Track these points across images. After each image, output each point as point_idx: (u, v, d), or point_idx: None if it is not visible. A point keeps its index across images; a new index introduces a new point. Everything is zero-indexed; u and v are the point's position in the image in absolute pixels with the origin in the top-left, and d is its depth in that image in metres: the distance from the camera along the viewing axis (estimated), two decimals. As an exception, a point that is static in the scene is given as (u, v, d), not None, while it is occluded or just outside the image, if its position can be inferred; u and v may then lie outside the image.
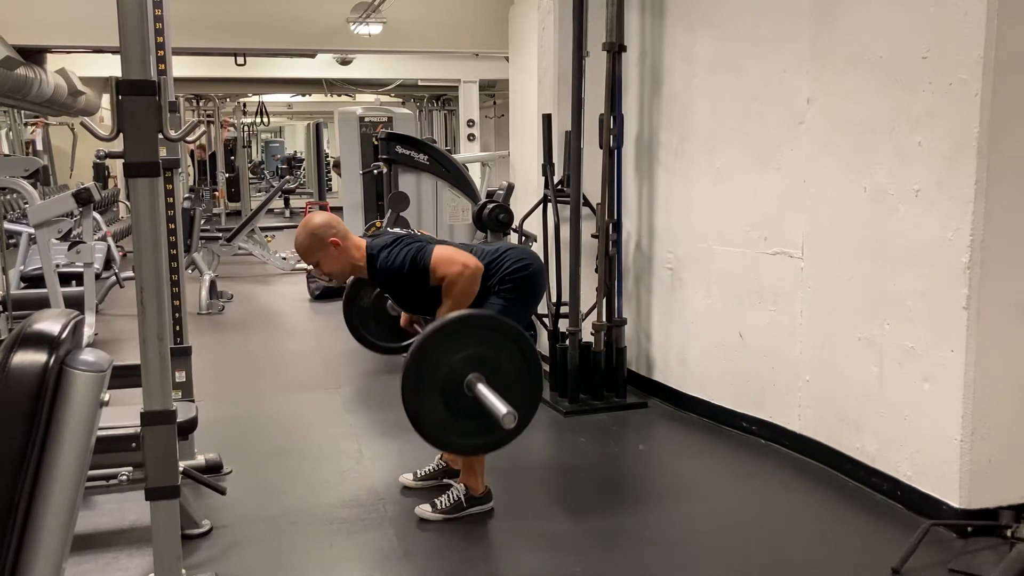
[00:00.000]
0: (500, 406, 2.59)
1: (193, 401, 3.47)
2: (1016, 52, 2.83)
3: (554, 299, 4.82)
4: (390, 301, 3.81)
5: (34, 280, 6.34)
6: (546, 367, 4.96)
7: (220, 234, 9.15)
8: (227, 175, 17.03)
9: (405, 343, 3.86)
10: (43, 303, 5.21)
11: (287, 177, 20.86)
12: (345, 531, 3.17)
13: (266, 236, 9.97)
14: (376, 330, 3.93)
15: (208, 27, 7.30)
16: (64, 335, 1.31)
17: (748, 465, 3.80)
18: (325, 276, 3.26)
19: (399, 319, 3.73)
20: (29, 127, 12.70)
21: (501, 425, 2.58)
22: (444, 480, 3.47)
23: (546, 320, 4.85)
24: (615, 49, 4.43)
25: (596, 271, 4.55)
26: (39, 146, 12.72)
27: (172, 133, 1.90)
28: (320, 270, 3.20)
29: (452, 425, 2.79)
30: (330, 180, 19.99)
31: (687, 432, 4.25)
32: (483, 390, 2.69)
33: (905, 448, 3.22)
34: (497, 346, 2.79)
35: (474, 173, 8.50)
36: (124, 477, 2.60)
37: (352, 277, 3.40)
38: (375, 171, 7.79)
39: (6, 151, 11.71)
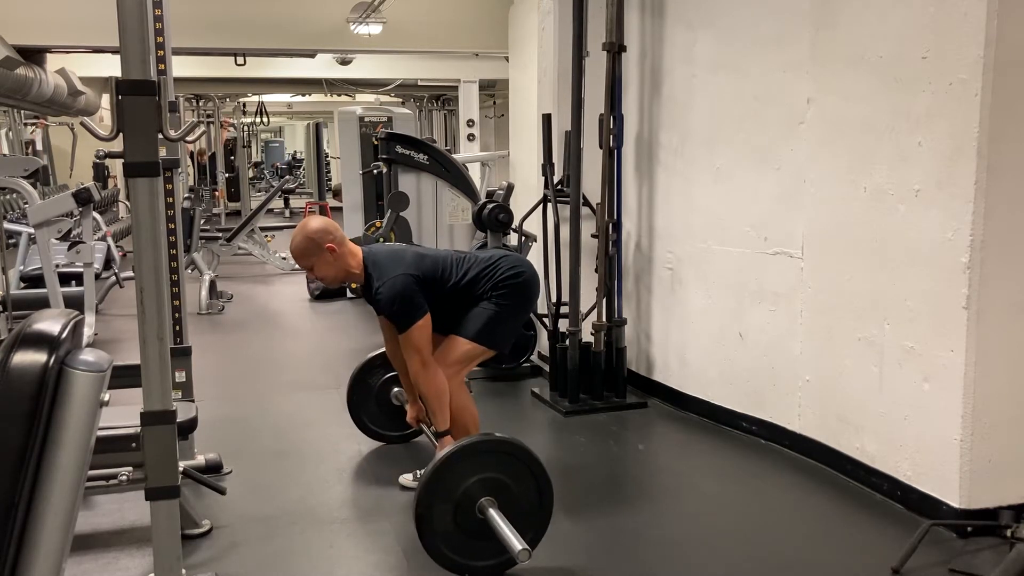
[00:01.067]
0: (515, 542, 2.56)
1: (193, 401, 3.47)
2: (1016, 52, 2.83)
3: (554, 299, 4.83)
4: (395, 390, 3.91)
5: (34, 280, 6.34)
6: (546, 367, 4.97)
7: (220, 234, 9.15)
8: (227, 175, 17.03)
9: (406, 432, 3.97)
10: (43, 303, 5.21)
11: (287, 177, 20.87)
12: (345, 531, 3.17)
13: (266, 236, 9.97)
14: (379, 418, 4.00)
15: (208, 27, 7.30)
16: (64, 335, 1.31)
17: (748, 465, 3.79)
18: (318, 279, 3.29)
19: (402, 409, 3.82)
20: (29, 127, 12.70)
21: (515, 560, 2.57)
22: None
23: (546, 320, 4.85)
24: (615, 49, 4.42)
25: (596, 271, 4.55)
26: (39, 146, 12.72)
27: (172, 133, 1.90)
28: (313, 274, 3.24)
29: (463, 545, 2.74)
30: (330, 180, 20.00)
31: (687, 432, 4.25)
32: (495, 517, 2.67)
33: (905, 448, 3.22)
34: (510, 470, 2.77)
35: (474, 173, 8.50)
36: (124, 477, 2.60)
37: (349, 282, 3.43)
38: (375, 171, 7.79)
39: (6, 151, 11.71)
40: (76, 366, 1.32)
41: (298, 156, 24.34)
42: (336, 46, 8.73)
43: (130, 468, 2.63)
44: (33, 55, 7.66)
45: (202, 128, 14.98)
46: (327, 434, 4.26)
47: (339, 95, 14.38)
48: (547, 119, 4.86)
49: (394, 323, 3.19)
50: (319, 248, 3.16)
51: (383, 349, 3.79)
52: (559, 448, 4.16)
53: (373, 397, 3.97)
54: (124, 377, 2.04)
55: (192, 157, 16.38)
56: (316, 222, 3.25)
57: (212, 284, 7.67)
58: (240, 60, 10.09)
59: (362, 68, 11.39)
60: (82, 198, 5.39)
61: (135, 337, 1.86)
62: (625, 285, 4.74)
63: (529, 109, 5.67)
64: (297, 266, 9.68)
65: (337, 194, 15.53)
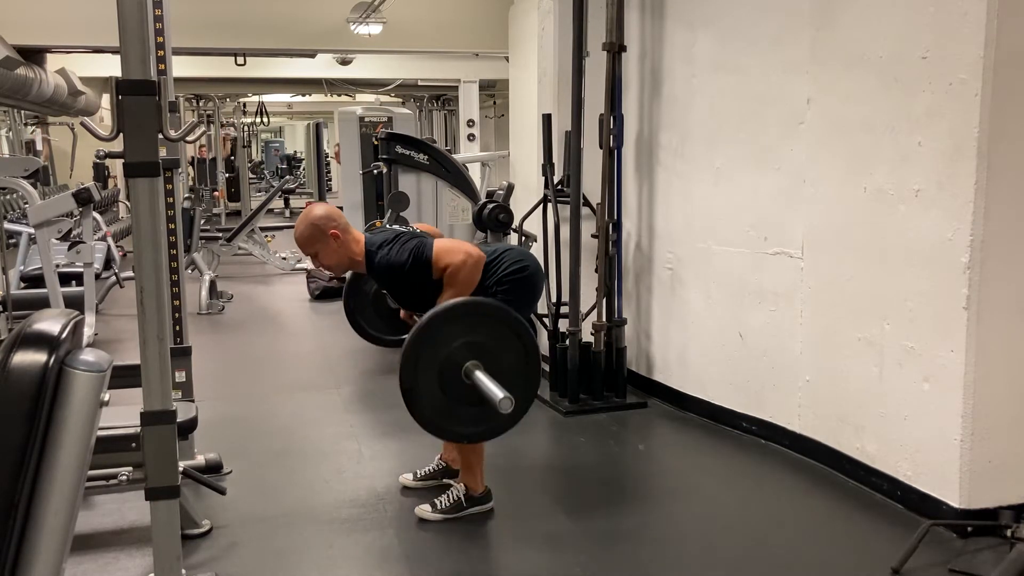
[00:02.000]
0: (497, 391, 2.59)
1: (193, 401, 3.47)
2: (1016, 52, 2.83)
3: (554, 299, 4.82)
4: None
5: (34, 280, 6.34)
6: (546, 367, 4.97)
7: (220, 234, 9.15)
8: (227, 175, 17.02)
9: (404, 336, 3.86)
10: (43, 303, 5.21)
11: (287, 177, 20.86)
12: (345, 531, 3.17)
13: (266, 236, 9.97)
14: (375, 322, 3.94)
15: (208, 27, 7.30)
16: (64, 335, 1.31)
17: (748, 465, 3.79)
18: (322, 267, 3.26)
19: (398, 311, 3.73)
20: (29, 127, 12.70)
21: (498, 410, 2.58)
22: (444, 480, 3.47)
23: (546, 320, 4.85)
24: (615, 49, 4.43)
25: (596, 271, 4.55)
26: (39, 146, 12.72)
27: (172, 133, 1.90)
28: (317, 261, 3.20)
29: (447, 410, 2.77)
30: (330, 180, 19.98)
31: (687, 432, 4.25)
32: (481, 376, 2.69)
33: (905, 448, 3.22)
34: (498, 336, 2.78)
35: (474, 173, 8.50)
36: (124, 477, 2.61)
37: (354, 270, 3.39)
38: (375, 171, 7.79)
39: (6, 151, 11.72)
40: (76, 366, 1.32)
41: (298, 155, 24.31)
42: (336, 46, 8.73)
43: (130, 468, 2.63)
44: (33, 55, 7.66)
45: (203, 128, 14.98)
46: (327, 434, 4.26)
47: (339, 95, 14.38)
48: (547, 119, 4.86)
49: (417, 274, 3.04)
50: (323, 235, 3.13)
51: None
52: (559, 448, 4.16)
53: (369, 302, 3.93)
54: (124, 377, 2.04)
55: (194, 162, 16.37)
56: (319, 209, 3.22)
57: (212, 284, 7.67)
58: (240, 60, 10.08)
59: (362, 68, 11.39)
60: (82, 198, 5.39)
61: (135, 337, 1.86)
62: (625, 285, 4.74)
63: (529, 109, 5.66)
64: (298, 266, 9.64)
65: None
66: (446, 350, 2.73)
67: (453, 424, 2.80)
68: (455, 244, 3.11)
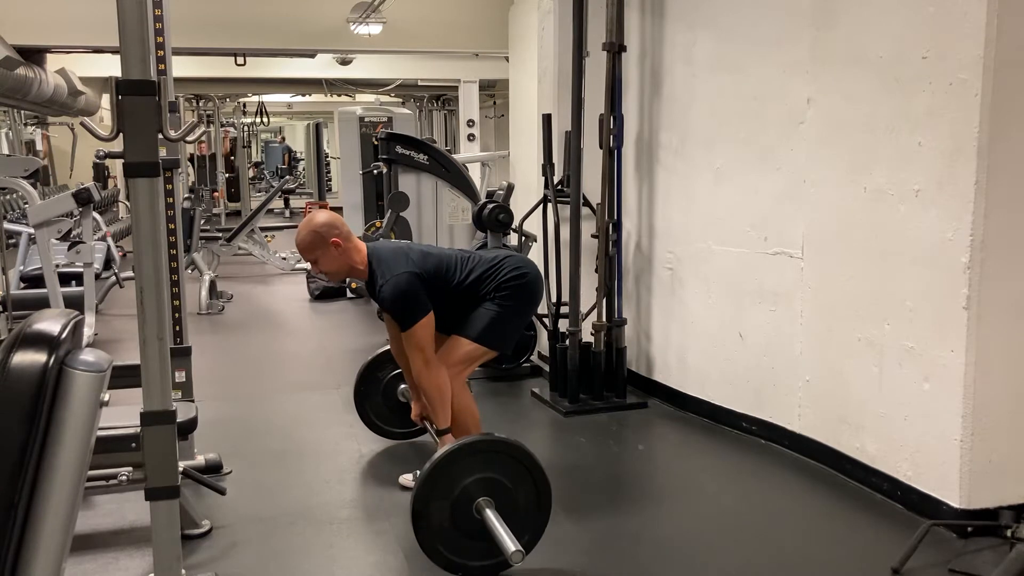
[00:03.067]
0: (509, 543, 2.56)
1: (193, 401, 3.47)
2: (1016, 52, 2.83)
3: (554, 299, 4.82)
4: (402, 387, 3.92)
5: (34, 280, 6.34)
6: (546, 367, 4.97)
7: (220, 234, 9.15)
8: (227, 175, 17.02)
9: (412, 430, 3.97)
10: (43, 303, 5.21)
11: (287, 177, 20.87)
12: (345, 531, 3.17)
13: (266, 236, 9.97)
14: (387, 415, 4.00)
15: (208, 27, 7.30)
16: (64, 335, 1.31)
17: (748, 465, 3.79)
18: (321, 274, 3.29)
19: (408, 406, 3.81)
20: (29, 127, 12.70)
21: (508, 561, 2.57)
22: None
23: (546, 320, 4.85)
24: (615, 49, 4.42)
25: (596, 271, 4.55)
26: (39, 146, 12.72)
27: (172, 133, 1.90)
28: (317, 268, 3.23)
29: (458, 544, 2.74)
30: (330, 180, 20.00)
31: (687, 432, 4.25)
32: (492, 519, 2.67)
33: (905, 448, 3.22)
34: (509, 471, 2.76)
35: (474, 173, 8.50)
36: (124, 477, 2.61)
37: (349, 279, 3.43)
38: (375, 171, 7.79)
39: (6, 151, 11.72)
40: (76, 366, 1.32)
41: (298, 156, 24.32)
42: (336, 46, 8.73)
43: (130, 468, 2.63)
44: (33, 55, 7.66)
45: (203, 128, 14.97)
46: (327, 434, 4.26)
47: (339, 95, 14.38)
48: (547, 119, 4.86)
49: (397, 321, 3.19)
50: (324, 242, 3.15)
51: (387, 347, 3.80)
52: (559, 448, 4.16)
53: (380, 393, 3.96)
54: (124, 377, 2.04)
55: (193, 159, 16.36)
56: (322, 216, 3.24)
57: (212, 284, 7.67)
58: (240, 60, 10.08)
59: (362, 68, 11.39)
60: (82, 198, 5.39)
61: (135, 337, 1.86)
62: (625, 285, 4.74)
63: (529, 109, 5.66)
64: (298, 266, 9.64)
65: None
66: (461, 484, 2.71)
67: (457, 557, 2.77)
68: (420, 340, 3.14)
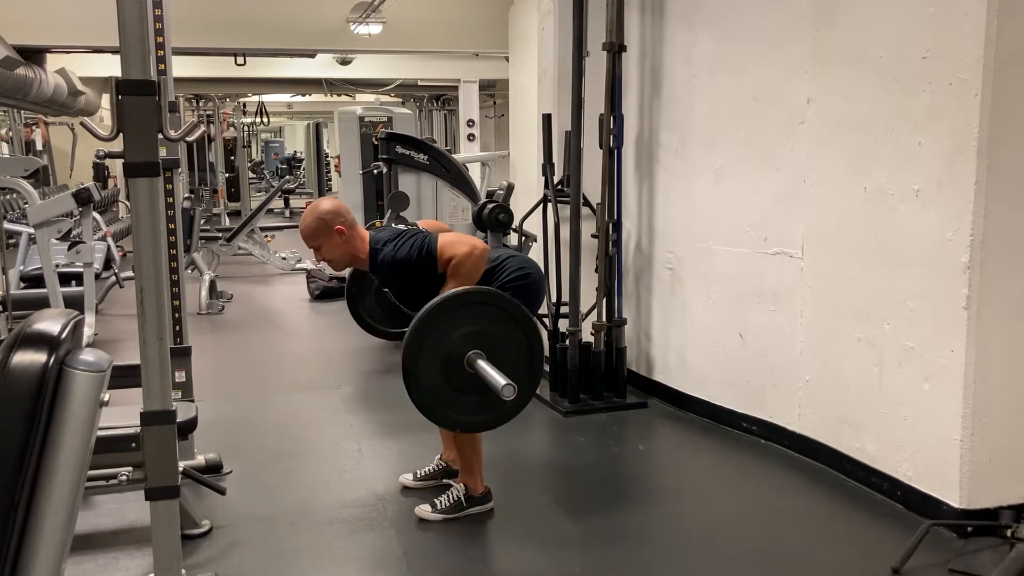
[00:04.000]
0: (500, 378, 2.58)
1: (193, 401, 3.47)
2: (1016, 52, 2.83)
3: (554, 299, 4.82)
4: None
5: (34, 280, 6.34)
6: (546, 367, 4.97)
7: (220, 234, 9.15)
8: (227, 175, 17.02)
9: (404, 328, 3.85)
10: (43, 303, 5.21)
11: (287, 177, 20.87)
12: (345, 531, 3.17)
13: (266, 236, 9.97)
14: (376, 313, 3.92)
15: (208, 27, 7.30)
16: (64, 335, 1.31)
17: (748, 465, 3.79)
18: (324, 261, 3.24)
19: (398, 309, 3.72)
20: (28, 127, 12.70)
21: (500, 397, 2.57)
22: (444, 480, 3.46)
23: (546, 320, 4.85)
24: (615, 49, 4.42)
25: (596, 271, 4.55)
26: (39, 146, 12.72)
27: (172, 133, 1.90)
28: (320, 255, 3.18)
29: (446, 396, 2.76)
30: (330, 180, 20.00)
31: (687, 432, 4.25)
32: (483, 365, 2.69)
33: (905, 448, 3.22)
34: (504, 328, 2.77)
35: (474, 173, 8.50)
36: (124, 477, 2.60)
37: (355, 267, 3.39)
38: (375, 171, 7.79)
39: (6, 151, 11.71)
40: (76, 366, 1.32)
41: (298, 156, 24.33)
42: (336, 46, 8.73)
43: (130, 468, 2.63)
44: (33, 55, 7.66)
45: (202, 128, 14.97)
46: (327, 434, 4.26)
47: (339, 95, 14.38)
48: (547, 119, 4.86)
49: (422, 269, 3.04)
50: (329, 229, 3.12)
51: None
52: (559, 448, 4.16)
53: (372, 292, 3.90)
54: (124, 377, 2.04)
55: (193, 149, 16.28)
56: (327, 203, 3.22)
57: (212, 284, 7.67)
58: (240, 60, 10.09)
59: (362, 68, 11.39)
60: (82, 198, 5.39)
61: (135, 337, 1.86)
62: (625, 285, 4.74)
63: (529, 109, 5.66)
64: (298, 266, 9.62)
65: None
66: (451, 337, 2.72)
67: (451, 411, 2.79)
68: (459, 236, 3.13)
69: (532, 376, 2.87)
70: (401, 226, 3.33)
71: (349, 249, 3.15)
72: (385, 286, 3.33)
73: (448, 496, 3.24)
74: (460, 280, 3.00)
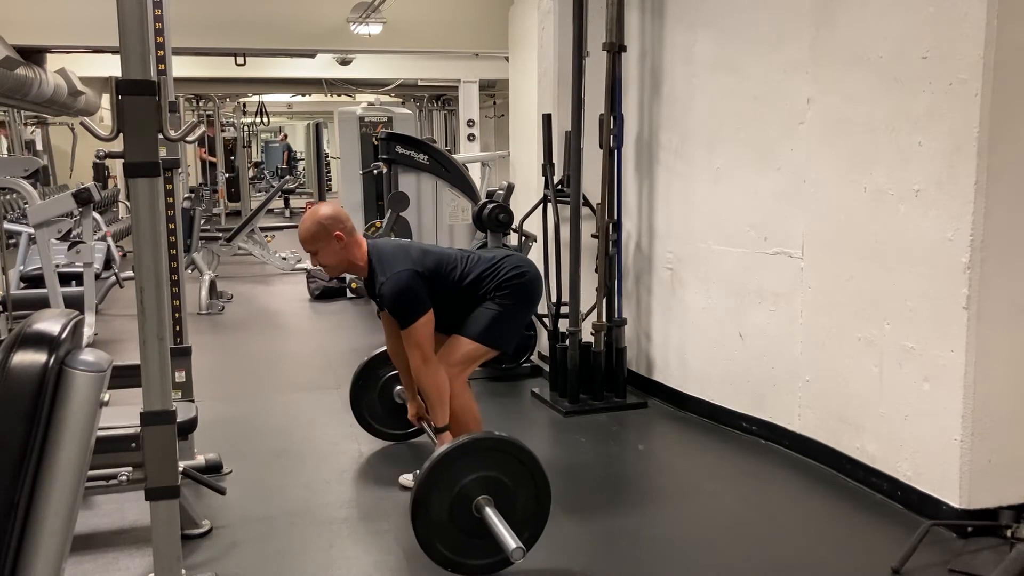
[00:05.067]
0: (510, 540, 2.55)
1: (193, 401, 3.47)
2: (1016, 52, 2.83)
3: (554, 299, 4.82)
4: (398, 388, 3.91)
5: (34, 280, 6.34)
6: (546, 367, 4.97)
7: (220, 234, 9.15)
8: (227, 175, 17.02)
9: (408, 431, 3.97)
10: (43, 303, 5.21)
11: (287, 177, 20.86)
12: (345, 531, 3.17)
13: (266, 236, 9.97)
14: (382, 416, 3.99)
15: (208, 27, 7.30)
16: (64, 335, 1.31)
17: (748, 465, 3.79)
18: (320, 266, 3.27)
19: (405, 408, 3.81)
20: (29, 128, 12.70)
21: (509, 558, 2.56)
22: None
23: (546, 320, 4.85)
24: (615, 49, 4.42)
25: (596, 271, 4.55)
26: (39, 146, 12.72)
27: (172, 133, 1.90)
28: (317, 259, 3.22)
29: (455, 540, 2.73)
30: (330, 180, 19.99)
31: (687, 432, 4.25)
32: (491, 516, 2.66)
33: (905, 448, 3.22)
34: (511, 471, 2.75)
35: (474, 173, 8.50)
36: (124, 477, 2.60)
37: (350, 277, 3.41)
38: (375, 171, 7.79)
39: (6, 151, 11.71)
40: (76, 366, 1.31)
41: (298, 156, 24.32)
42: (336, 46, 8.72)
43: (130, 468, 2.62)
44: (33, 55, 7.66)
45: (202, 128, 14.97)
46: (327, 434, 4.26)
47: (339, 95, 14.38)
48: (547, 119, 4.86)
49: (396, 319, 3.19)
50: (327, 235, 3.14)
51: (385, 347, 3.79)
52: (559, 448, 4.16)
53: (376, 394, 3.97)
54: (124, 377, 2.04)
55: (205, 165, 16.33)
56: (327, 208, 3.24)
57: (212, 284, 7.67)
58: (240, 60, 10.08)
59: (362, 68, 11.39)
60: (82, 198, 5.39)
61: (135, 337, 1.86)
62: (625, 285, 4.74)
63: (529, 109, 5.67)
64: (298, 266, 9.62)
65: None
66: (463, 480, 2.70)
67: (452, 554, 2.76)
68: (422, 338, 3.14)
69: (536, 528, 2.82)
70: (402, 240, 3.36)
71: (346, 256, 3.19)
72: (381, 307, 3.39)
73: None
74: (424, 388, 3.21)
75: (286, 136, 24.69)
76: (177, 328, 3.55)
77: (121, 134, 1.81)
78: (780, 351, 3.86)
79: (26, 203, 6.06)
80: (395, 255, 3.19)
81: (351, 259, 3.20)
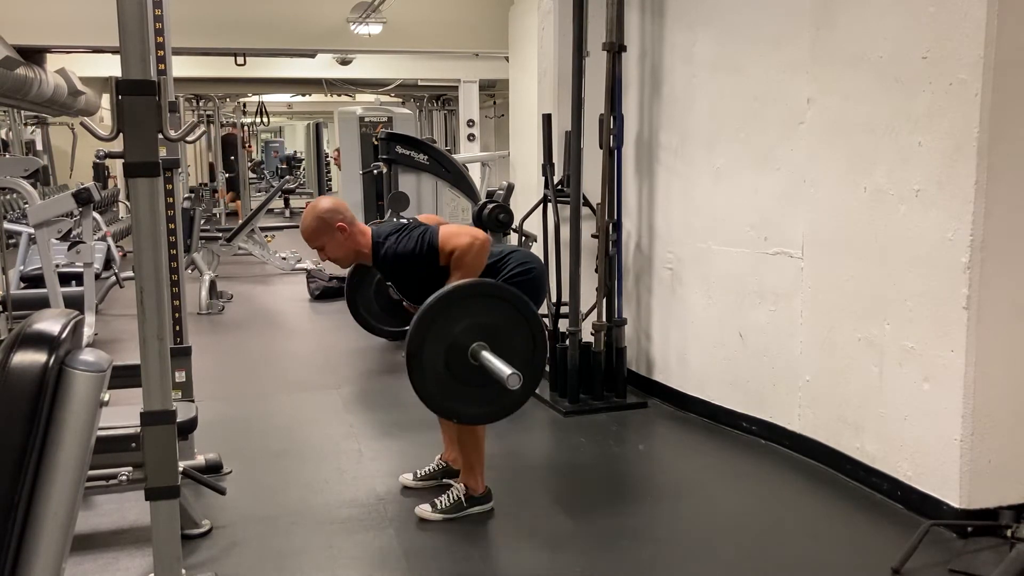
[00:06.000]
0: (504, 368, 2.57)
1: (193, 401, 3.47)
2: (1016, 52, 2.83)
3: (554, 299, 4.82)
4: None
5: (34, 280, 6.34)
6: (546, 367, 4.97)
7: (220, 234, 9.15)
8: (227, 175, 17.02)
9: (405, 327, 3.85)
10: (43, 303, 5.21)
11: (287, 177, 20.87)
12: (345, 531, 3.17)
13: (266, 236, 9.97)
14: (377, 311, 3.92)
15: (208, 27, 7.30)
16: (64, 335, 1.31)
17: (748, 465, 3.79)
18: (327, 260, 3.25)
19: (401, 301, 3.72)
20: (29, 127, 12.69)
21: (506, 386, 2.56)
22: (444, 480, 3.47)
23: (546, 320, 4.84)
24: (615, 49, 4.42)
25: (596, 271, 4.55)
26: (39, 146, 12.72)
27: (172, 133, 1.90)
28: (324, 254, 3.19)
29: (448, 386, 2.75)
30: (330, 180, 20.01)
31: (687, 432, 4.25)
32: (488, 356, 2.68)
33: (905, 448, 3.22)
34: (509, 320, 2.77)
35: (474, 173, 8.50)
36: (124, 477, 2.60)
37: (359, 262, 3.38)
38: (375, 171, 7.79)
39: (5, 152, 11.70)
40: (76, 366, 1.31)
41: (298, 156, 24.32)
42: (336, 46, 8.73)
43: (130, 468, 2.63)
44: (33, 55, 7.66)
45: (202, 128, 14.97)
46: (327, 434, 4.26)
47: (339, 95, 14.38)
48: (547, 119, 4.86)
49: (425, 261, 3.05)
50: (330, 228, 3.12)
51: None
52: (559, 448, 4.16)
53: (372, 291, 3.90)
54: (124, 377, 2.04)
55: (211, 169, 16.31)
56: (326, 202, 3.22)
57: (212, 284, 7.67)
58: (240, 60, 10.09)
59: (362, 68, 11.39)
60: (82, 198, 5.39)
61: (135, 337, 1.86)
62: (625, 285, 4.74)
63: (529, 109, 5.67)
64: (298, 266, 9.62)
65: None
66: (457, 327, 2.71)
67: (452, 401, 2.77)
68: (461, 228, 3.13)
69: (535, 370, 2.87)
70: (403, 220, 3.34)
71: (352, 245, 3.15)
72: (388, 280, 3.33)
73: (448, 496, 3.24)
74: (464, 271, 3.00)
75: (276, 152, 24.66)
76: (177, 328, 3.55)
77: (121, 134, 1.81)
78: (780, 351, 3.86)
79: (26, 203, 6.06)
80: (401, 227, 3.17)
81: (357, 248, 3.17)
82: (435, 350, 2.70)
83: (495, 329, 2.74)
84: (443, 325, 2.70)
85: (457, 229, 3.11)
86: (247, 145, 16.86)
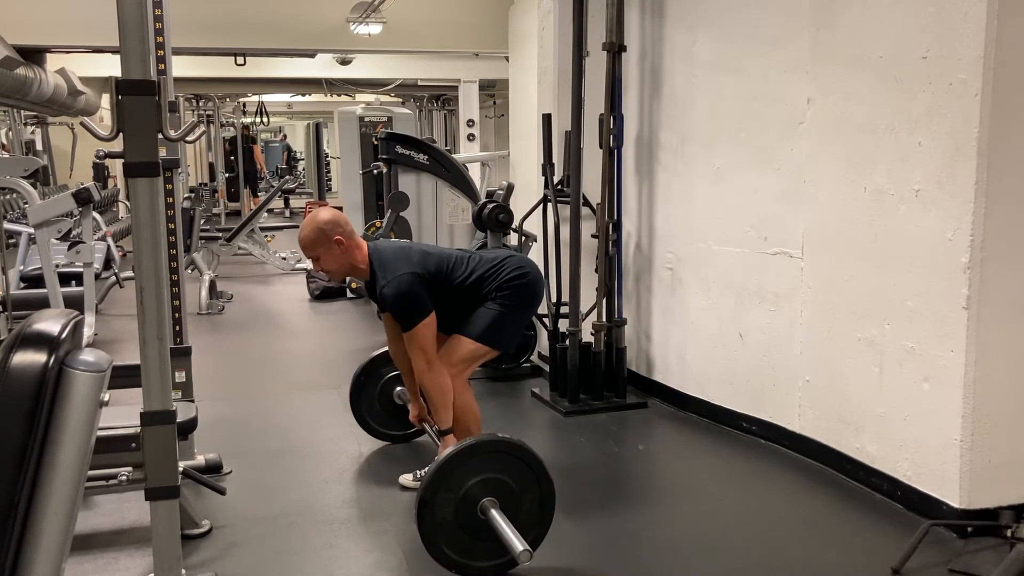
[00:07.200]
0: (516, 542, 2.55)
1: (193, 401, 3.47)
2: (1016, 52, 2.83)
3: (554, 299, 4.82)
4: (398, 389, 3.91)
5: (34, 280, 6.34)
6: (546, 367, 4.97)
7: (220, 234, 9.15)
8: (227, 175, 17.03)
9: (409, 431, 3.97)
10: (43, 303, 5.21)
11: (287, 177, 20.87)
12: (345, 531, 3.17)
13: (266, 236, 9.97)
14: (382, 417, 3.99)
15: (208, 27, 7.30)
16: (64, 335, 1.31)
17: (748, 465, 3.79)
18: (322, 272, 3.29)
19: (405, 409, 3.82)
20: (29, 127, 12.69)
21: (515, 560, 2.56)
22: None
23: (546, 320, 4.85)
24: (615, 49, 4.42)
25: (596, 271, 4.55)
26: (39, 146, 12.72)
27: (172, 133, 1.90)
28: (318, 265, 3.23)
29: (456, 537, 2.74)
30: (330, 180, 20.00)
31: (687, 432, 4.25)
32: (498, 519, 2.65)
33: (905, 448, 3.22)
34: (520, 478, 2.76)
35: (474, 173, 8.50)
36: (124, 477, 2.60)
37: (353, 276, 3.41)
38: (375, 171, 7.79)
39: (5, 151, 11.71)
40: (76, 366, 1.32)
41: (298, 155, 24.32)
42: (336, 46, 8.73)
43: (130, 468, 2.63)
44: (33, 55, 7.66)
45: (202, 128, 14.97)
46: (327, 434, 4.26)
47: (339, 95, 14.38)
48: (547, 119, 4.86)
49: (399, 321, 3.19)
50: (327, 239, 3.15)
51: (386, 348, 3.79)
52: (559, 448, 4.15)
53: (376, 395, 3.98)
54: (124, 377, 2.04)
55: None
56: (326, 213, 3.25)
57: (212, 284, 7.67)
58: (240, 60, 10.08)
59: (362, 68, 11.39)
60: (82, 198, 5.39)
61: (135, 337, 1.86)
62: (625, 285, 4.74)
63: (529, 109, 5.67)
64: (298, 266, 9.64)
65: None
66: (469, 481, 2.70)
67: (471, 559, 2.76)
68: (424, 341, 3.15)
69: (544, 522, 2.83)
70: (404, 241, 3.37)
71: (348, 259, 3.20)
72: (382, 309, 3.40)
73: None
74: (428, 394, 3.22)
75: (285, 136, 24.68)
76: (177, 328, 3.55)
77: (121, 134, 1.81)
78: (780, 351, 3.86)
79: (26, 203, 6.06)
80: (396, 257, 3.20)
81: (352, 263, 3.21)
82: (445, 508, 2.69)
83: (504, 484, 2.73)
84: (452, 482, 2.69)
85: (421, 341, 3.13)
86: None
